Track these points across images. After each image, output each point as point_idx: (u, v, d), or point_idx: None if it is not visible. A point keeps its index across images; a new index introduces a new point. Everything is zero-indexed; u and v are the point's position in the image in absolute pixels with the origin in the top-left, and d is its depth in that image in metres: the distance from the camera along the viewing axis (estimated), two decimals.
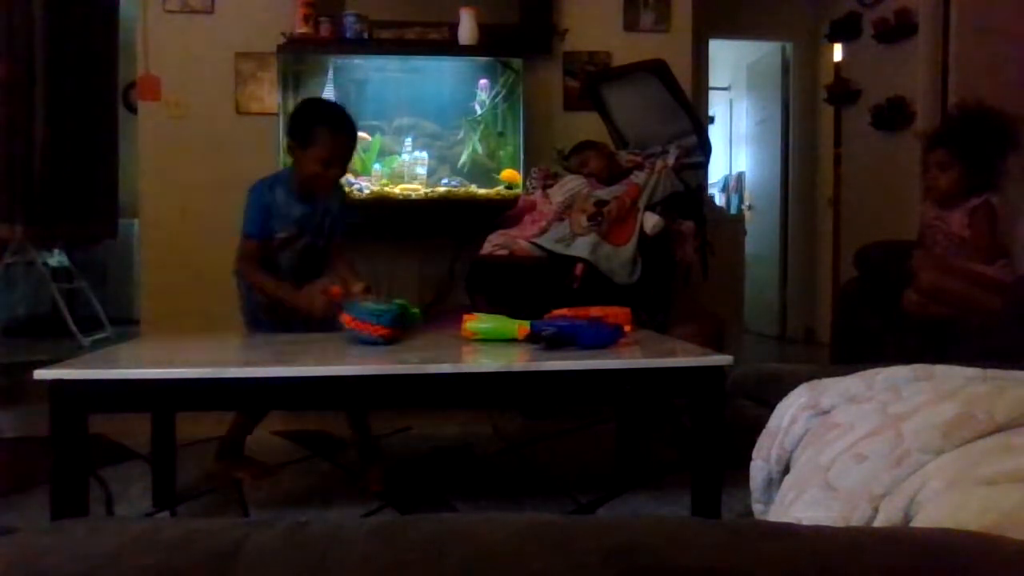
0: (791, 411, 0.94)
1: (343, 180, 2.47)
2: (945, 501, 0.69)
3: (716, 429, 1.77)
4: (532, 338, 1.92)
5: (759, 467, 0.97)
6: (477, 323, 2.04)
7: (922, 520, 0.69)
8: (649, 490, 2.25)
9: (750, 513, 0.97)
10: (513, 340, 1.97)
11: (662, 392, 1.90)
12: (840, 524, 0.79)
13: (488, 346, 1.99)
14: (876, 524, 0.75)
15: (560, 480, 2.38)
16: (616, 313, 2.10)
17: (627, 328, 2.00)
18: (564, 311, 2.11)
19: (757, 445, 0.98)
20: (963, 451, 0.74)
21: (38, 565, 0.46)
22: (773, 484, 0.93)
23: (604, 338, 1.92)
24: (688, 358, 1.84)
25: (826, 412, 0.90)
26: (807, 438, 0.89)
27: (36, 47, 4.68)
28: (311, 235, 2.29)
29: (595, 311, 2.11)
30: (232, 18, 3.86)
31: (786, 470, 0.91)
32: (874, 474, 0.78)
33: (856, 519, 0.78)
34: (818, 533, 0.55)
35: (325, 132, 2.15)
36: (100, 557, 0.47)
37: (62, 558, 0.47)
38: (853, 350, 2.77)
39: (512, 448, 2.72)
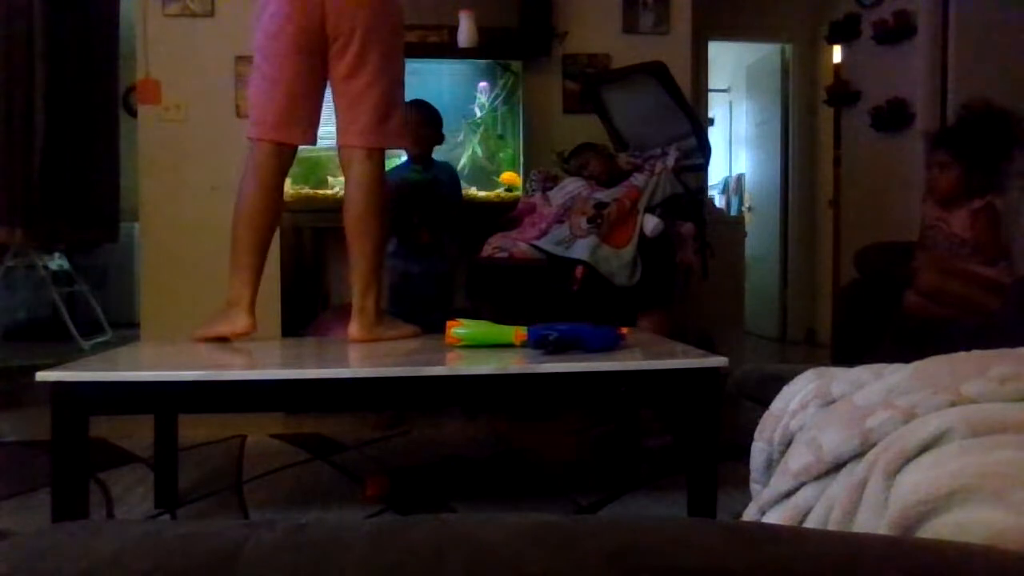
0: (800, 396, 0.94)
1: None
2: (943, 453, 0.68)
3: (711, 430, 1.77)
4: (536, 343, 1.90)
5: (760, 448, 0.96)
6: (461, 329, 2.00)
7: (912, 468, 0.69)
8: (649, 491, 2.25)
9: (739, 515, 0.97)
10: (509, 345, 1.96)
11: (658, 394, 1.90)
12: (827, 460, 0.79)
13: (485, 351, 1.97)
14: (861, 462, 0.75)
15: (559, 482, 2.37)
16: None
17: (623, 330, 2.00)
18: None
19: (759, 427, 0.97)
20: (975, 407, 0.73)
21: (37, 568, 0.46)
22: (773, 465, 0.92)
23: (609, 341, 1.91)
24: (682, 360, 1.84)
25: (834, 401, 0.90)
26: (812, 420, 0.89)
27: (36, 51, 4.68)
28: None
29: None
30: (232, 22, 3.85)
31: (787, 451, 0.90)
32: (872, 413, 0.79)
33: (844, 450, 0.77)
34: (821, 537, 0.55)
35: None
36: (99, 559, 0.47)
37: (61, 560, 0.47)
38: (854, 351, 2.76)
39: (511, 450, 2.72)
